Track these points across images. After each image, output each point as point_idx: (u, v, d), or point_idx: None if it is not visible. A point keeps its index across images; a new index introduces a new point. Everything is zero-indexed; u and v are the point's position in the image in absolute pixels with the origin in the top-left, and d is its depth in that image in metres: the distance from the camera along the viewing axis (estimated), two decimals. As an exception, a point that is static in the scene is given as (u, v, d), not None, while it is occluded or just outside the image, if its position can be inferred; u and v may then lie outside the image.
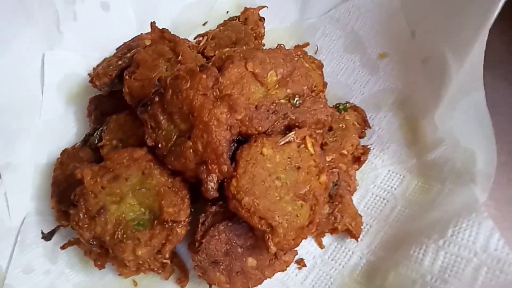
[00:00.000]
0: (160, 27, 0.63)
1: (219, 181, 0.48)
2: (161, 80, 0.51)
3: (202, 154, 0.46)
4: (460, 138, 0.54)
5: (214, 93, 0.47)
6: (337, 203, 0.54)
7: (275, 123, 0.52)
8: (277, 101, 0.52)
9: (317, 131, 0.53)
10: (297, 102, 0.53)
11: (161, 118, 0.49)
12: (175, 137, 0.48)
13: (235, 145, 0.48)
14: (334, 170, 0.54)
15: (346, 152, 0.56)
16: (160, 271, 0.54)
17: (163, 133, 0.49)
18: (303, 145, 0.51)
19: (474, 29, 0.52)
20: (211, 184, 0.47)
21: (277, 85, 0.53)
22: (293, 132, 0.51)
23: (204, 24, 0.77)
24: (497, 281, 0.45)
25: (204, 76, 0.46)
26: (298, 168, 0.50)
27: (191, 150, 0.46)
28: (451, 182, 0.54)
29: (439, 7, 0.60)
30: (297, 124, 0.52)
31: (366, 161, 0.60)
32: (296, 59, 0.55)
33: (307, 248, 0.57)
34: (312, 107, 0.54)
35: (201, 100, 0.46)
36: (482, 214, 0.48)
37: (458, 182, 0.53)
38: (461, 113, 0.53)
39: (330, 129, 0.58)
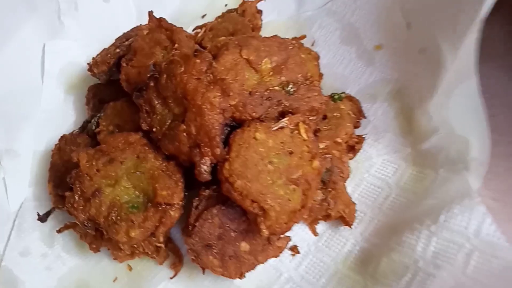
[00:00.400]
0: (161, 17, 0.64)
1: (212, 165, 0.48)
2: (156, 65, 0.51)
3: (195, 137, 0.47)
4: (454, 127, 0.54)
5: (207, 77, 0.47)
6: (330, 189, 0.54)
7: (269, 109, 0.52)
8: (271, 88, 0.53)
9: (311, 118, 0.53)
10: (291, 90, 0.54)
11: (156, 102, 0.49)
12: (169, 121, 0.49)
13: (229, 129, 0.49)
14: (327, 156, 0.55)
15: (340, 140, 0.57)
16: (154, 255, 0.54)
17: (158, 117, 0.50)
18: (296, 131, 0.51)
19: (468, 20, 0.53)
20: (204, 167, 0.47)
21: (271, 72, 0.54)
22: (286, 118, 0.51)
23: (203, 17, 0.78)
24: (488, 265, 0.45)
25: (198, 60, 0.47)
26: (291, 153, 0.50)
27: (184, 133, 0.47)
28: (445, 170, 0.54)
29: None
30: (290, 110, 0.53)
31: (361, 151, 0.61)
32: (290, 47, 0.56)
33: (301, 235, 0.57)
34: (306, 95, 0.54)
35: (195, 84, 0.46)
36: (474, 200, 0.48)
37: (452, 170, 0.53)
38: (455, 102, 0.54)
39: (325, 117, 0.58)
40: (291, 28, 0.74)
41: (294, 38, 0.72)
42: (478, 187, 0.51)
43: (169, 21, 0.63)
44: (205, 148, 0.46)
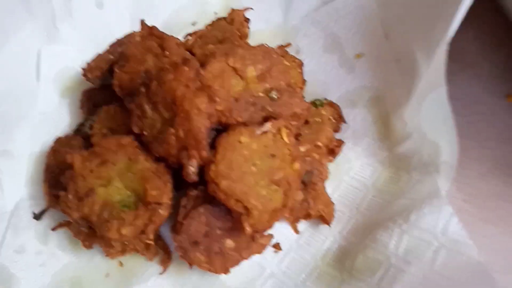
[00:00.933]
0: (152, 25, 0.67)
1: (199, 166, 0.52)
2: (148, 73, 0.54)
3: (183, 140, 0.50)
4: (426, 132, 0.58)
5: (195, 84, 0.51)
6: (310, 190, 0.58)
7: (253, 114, 0.55)
8: (255, 94, 0.57)
9: (293, 123, 0.57)
10: (275, 96, 0.57)
11: (147, 107, 0.52)
12: (159, 125, 0.52)
13: (215, 133, 0.52)
14: (307, 159, 0.58)
15: (320, 144, 0.60)
16: (144, 252, 0.57)
17: (148, 121, 0.53)
18: (278, 135, 0.55)
19: (441, 32, 0.56)
20: (192, 169, 0.50)
21: (256, 80, 0.57)
22: (269, 123, 0.55)
23: (193, 24, 0.81)
24: (454, 261, 0.48)
25: (186, 68, 0.50)
26: (273, 155, 0.53)
27: (173, 137, 0.50)
28: (418, 172, 0.58)
29: (411, 10, 0.65)
30: (274, 116, 0.56)
31: (341, 154, 0.64)
32: (274, 56, 0.59)
33: (283, 233, 0.60)
34: (288, 101, 0.57)
35: (183, 91, 0.50)
36: (442, 200, 0.52)
37: (424, 173, 0.57)
38: (427, 109, 0.57)
39: (307, 122, 0.62)
40: (278, 36, 0.77)
41: (280, 46, 0.76)
42: (448, 188, 0.54)
43: (162, 28, 0.67)
44: (193, 151, 0.50)
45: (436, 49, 0.57)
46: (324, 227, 0.60)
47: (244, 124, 0.55)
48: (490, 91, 0.71)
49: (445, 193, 0.53)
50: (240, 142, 0.52)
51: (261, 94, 0.57)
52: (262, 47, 0.59)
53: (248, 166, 0.52)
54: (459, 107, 0.71)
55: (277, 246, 0.59)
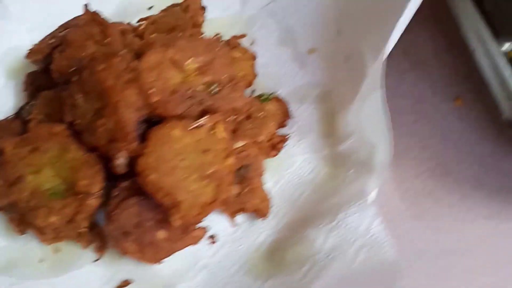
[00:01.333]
0: (107, 9, 0.65)
1: (130, 158, 0.52)
2: (82, 61, 0.54)
3: (112, 132, 0.50)
4: (365, 133, 0.59)
5: (126, 75, 0.50)
6: (246, 185, 0.58)
7: (190, 108, 0.55)
8: (194, 88, 0.56)
9: (230, 118, 0.57)
10: (215, 90, 0.57)
11: (78, 96, 0.52)
12: (90, 115, 0.52)
13: (146, 125, 0.52)
14: (244, 153, 0.58)
15: (261, 139, 0.60)
16: (78, 240, 0.58)
17: (80, 110, 0.52)
18: (213, 130, 0.55)
19: (388, 32, 0.56)
20: (120, 160, 0.50)
21: (196, 72, 0.57)
22: (206, 117, 0.55)
23: (149, 8, 0.79)
24: (373, 260, 0.50)
25: (117, 59, 0.50)
26: (206, 150, 0.54)
27: (102, 128, 0.50)
28: (354, 172, 0.59)
29: (362, 7, 0.64)
30: (212, 110, 0.56)
31: (285, 149, 0.65)
32: (217, 48, 0.59)
33: (221, 226, 0.61)
34: (228, 95, 0.57)
35: (113, 82, 0.49)
36: (368, 201, 0.53)
37: (359, 172, 0.58)
38: (366, 110, 0.58)
39: (249, 117, 0.62)
40: (234, 26, 0.76)
41: (234, 37, 0.75)
42: (378, 188, 0.55)
43: (117, 11, 0.65)
44: (120, 143, 0.49)
45: (382, 50, 0.57)
46: (260, 221, 0.61)
47: (181, 117, 0.55)
48: (438, 93, 0.71)
49: (375, 193, 0.54)
50: (172, 135, 0.52)
51: (200, 87, 0.57)
52: (205, 39, 0.59)
53: (179, 160, 0.52)
54: (407, 106, 0.72)
55: (213, 238, 0.60)
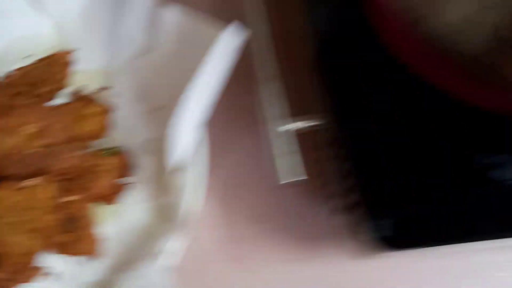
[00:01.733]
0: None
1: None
2: None
3: None
4: (181, 186, 0.69)
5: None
6: (75, 233, 0.68)
7: (22, 169, 0.64)
8: (29, 151, 0.65)
9: (60, 176, 0.66)
10: (49, 151, 0.66)
11: None
12: None
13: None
14: (74, 206, 0.68)
15: (95, 192, 0.70)
16: None
17: None
18: (41, 188, 0.64)
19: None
20: None
21: (32, 137, 0.66)
22: (35, 178, 0.64)
23: (26, 57, 0.86)
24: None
25: None
26: (33, 208, 0.63)
27: None
28: (168, 225, 0.69)
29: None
30: (42, 170, 0.65)
31: (126, 197, 0.75)
32: (54, 112, 0.68)
33: (57, 264, 0.70)
34: (61, 156, 0.67)
35: None
36: (163, 256, 0.63)
37: (170, 227, 0.68)
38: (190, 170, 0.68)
39: (85, 172, 0.71)
40: (99, 79, 0.85)
41: (98, 89, 0.82)
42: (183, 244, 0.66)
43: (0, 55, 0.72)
44: None
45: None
46: (93, 262, 0.71)
47: (10, 178, 0.64)
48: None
49: (175, 248, 0.65)
50: None
51: (35, 149, 0.66)
52: (43, 107, 0.67)
53: (6, 217, 0.62)
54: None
55: (45, 276, 0.70)
